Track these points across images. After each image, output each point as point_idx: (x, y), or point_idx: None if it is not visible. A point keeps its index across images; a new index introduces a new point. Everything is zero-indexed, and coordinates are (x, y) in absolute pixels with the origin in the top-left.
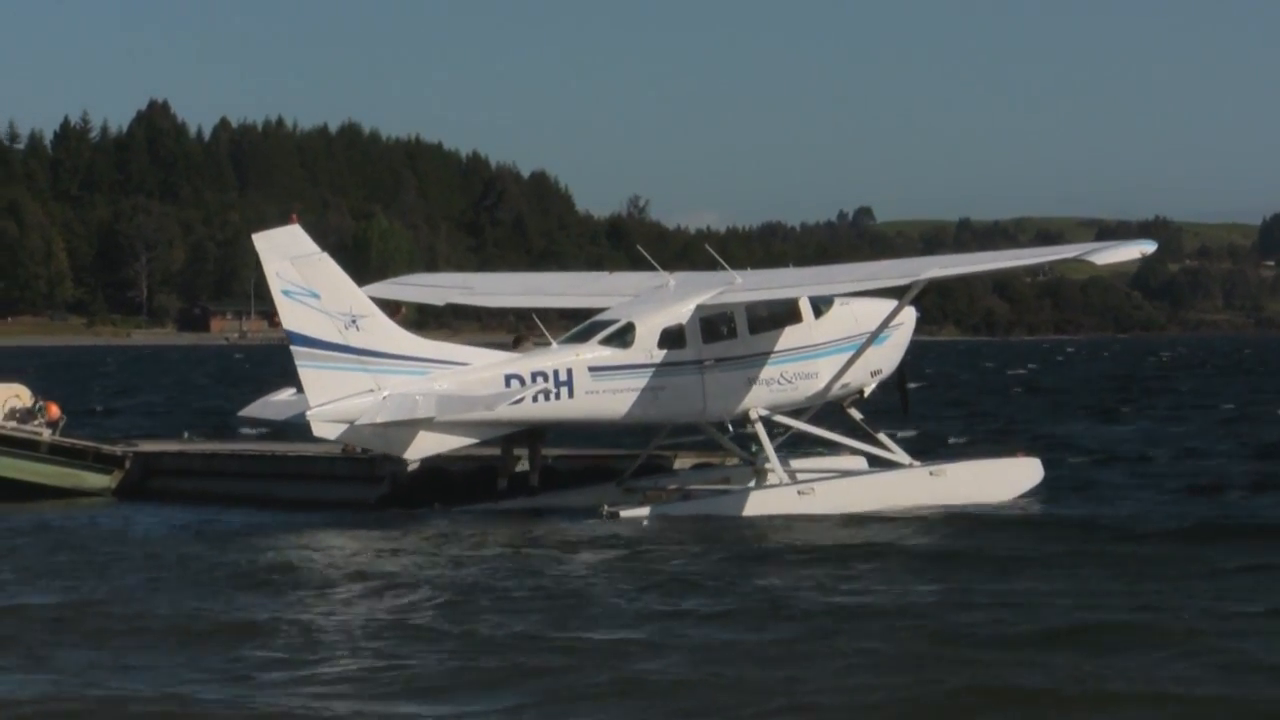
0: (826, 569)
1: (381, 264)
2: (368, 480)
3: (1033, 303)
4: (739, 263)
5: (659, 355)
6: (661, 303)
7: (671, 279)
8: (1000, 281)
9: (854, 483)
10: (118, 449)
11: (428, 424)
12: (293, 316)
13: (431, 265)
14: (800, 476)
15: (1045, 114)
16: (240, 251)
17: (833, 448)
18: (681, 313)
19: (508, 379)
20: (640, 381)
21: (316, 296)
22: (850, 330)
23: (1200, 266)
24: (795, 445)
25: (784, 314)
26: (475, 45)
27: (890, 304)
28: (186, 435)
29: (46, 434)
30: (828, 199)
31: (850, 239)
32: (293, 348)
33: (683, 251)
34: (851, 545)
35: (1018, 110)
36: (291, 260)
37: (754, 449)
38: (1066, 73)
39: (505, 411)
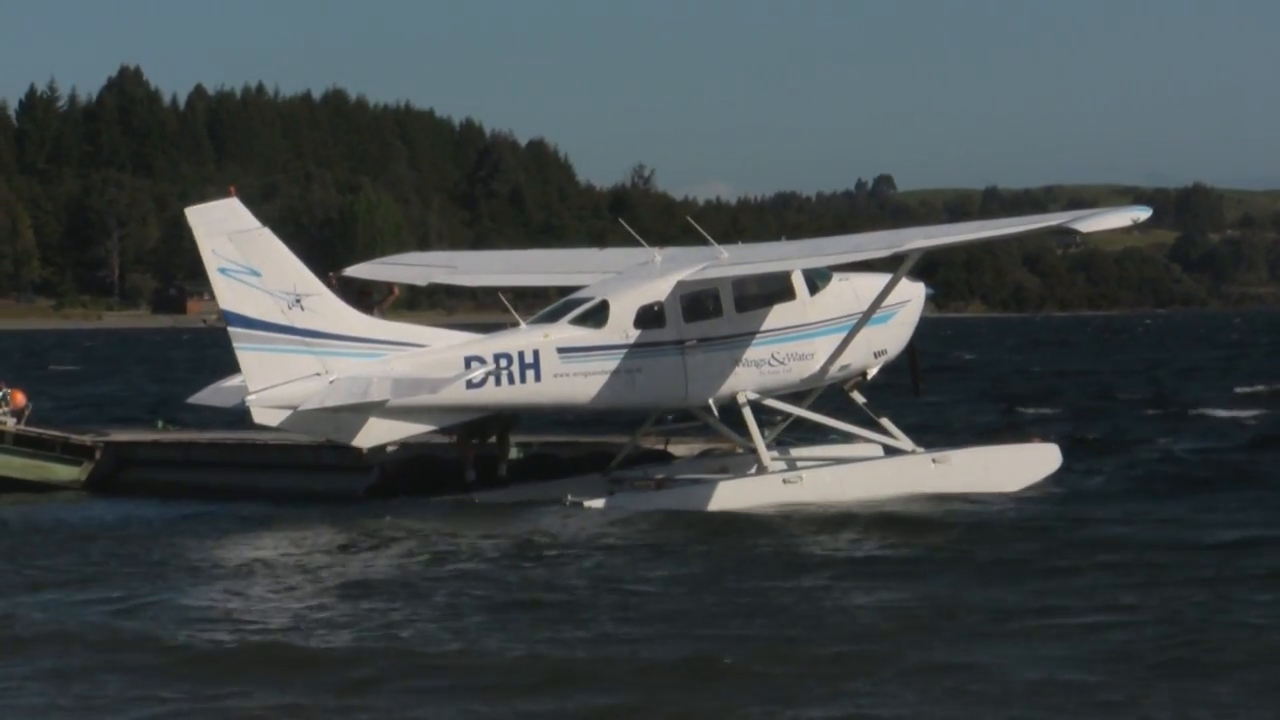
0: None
1: (369, 239)
2: (355, 470)
3: (1065, 276)
4: (752, 236)
5: (635, 335)
6: (639, 280)
7: (658, 255)
8: (1030, 254)
9: (845, 471)
10: (88, 439)
11: (381, 409)
12: (231, 296)
13: (423, 241)
14: (801, 465)
15: (1077, 75)
16: None
17: (830, 433)
18: (660, 290)
19: (468, 361)
20: (614, 364)
21: (257, 275)
22: (850, 308)
23: (1243, 237)
24: (799, 431)
25: (775, 291)
26: (468, 4)
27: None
28: (161, 424)
29: (11, 424)
30: (845, 167)
31: (870, 209)
32: (230, 329)
33: (690, 225)
34: None
35: (1048, 71)
36: (229, 236)
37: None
38: (1101, 31)
39: (465, 396)
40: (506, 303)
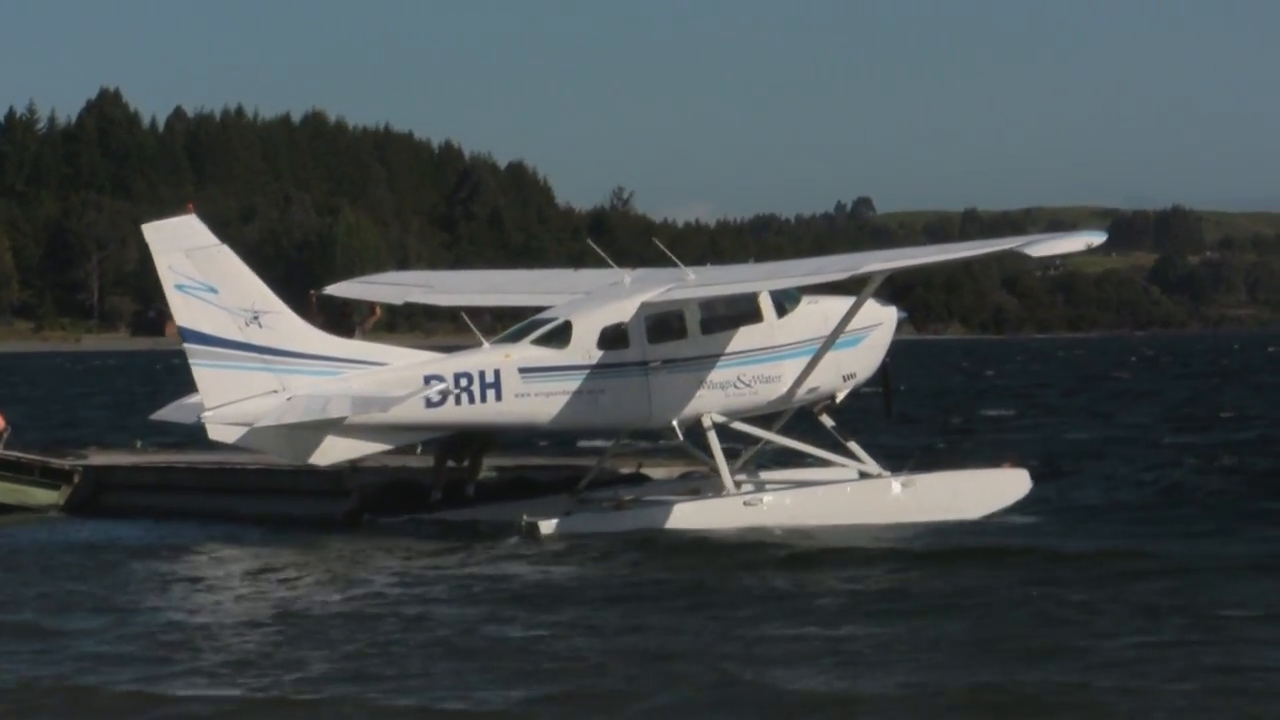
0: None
1: (348, 262)
2: (334, 495)
3: (1044, 298)
4: (730, 258)
5: (598, 356)
6: (603, 301)
7: (628, 276)
8: (1009, 276)
9: (808, 494)
10: (66, 462)
11: (338, 427)
12: (187, 312)
13: (403, 263)
14: (767, 487)
15: (1056, 96)
16: None
17: (806, 457)
18: (624, 310)
19: (427, 379)
20: (576, 384)
21: (214, 291)
22: (819, 331)
23: (1223, 258)
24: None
25: (742, 313)
26: (447, 26)
27: (868, 305)
28: (140, 444)
29: None
30: (824, 189)
31: (849, 231)
32: (186, 345)
33: (670, 247)
34: None
35: (1028, 93)
36: (186, 253)
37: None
38: (1079, 52)
39: (424, 415)
40: (469, 322)
